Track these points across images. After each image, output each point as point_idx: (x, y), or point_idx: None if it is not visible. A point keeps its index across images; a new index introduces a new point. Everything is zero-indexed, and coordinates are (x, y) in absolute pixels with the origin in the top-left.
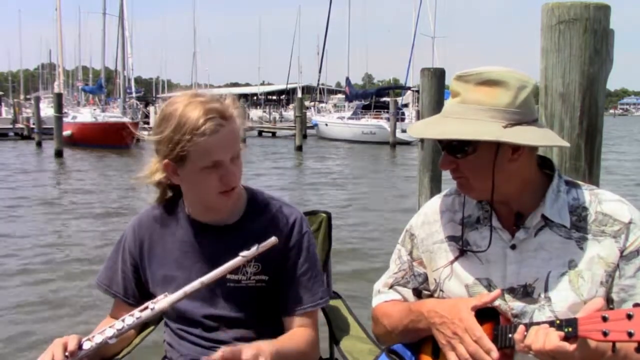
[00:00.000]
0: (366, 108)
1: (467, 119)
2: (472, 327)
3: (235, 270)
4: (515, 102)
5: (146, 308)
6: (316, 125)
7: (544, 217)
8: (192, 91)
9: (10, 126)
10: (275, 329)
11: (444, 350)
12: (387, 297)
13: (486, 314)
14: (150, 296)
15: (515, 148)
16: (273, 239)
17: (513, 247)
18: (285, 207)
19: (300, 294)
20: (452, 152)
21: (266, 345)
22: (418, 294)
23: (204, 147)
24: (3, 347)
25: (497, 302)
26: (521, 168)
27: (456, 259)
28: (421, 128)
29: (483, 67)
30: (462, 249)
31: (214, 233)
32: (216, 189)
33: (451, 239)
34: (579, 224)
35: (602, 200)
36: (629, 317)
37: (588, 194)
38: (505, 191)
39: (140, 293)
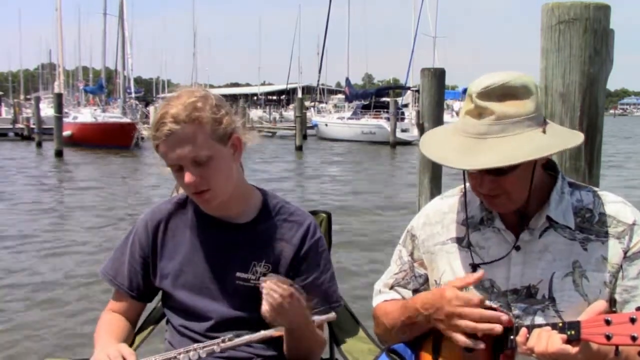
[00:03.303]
0: (366, 108)
1: (511, 135)
2: (466, 297)
3: (245, 269)
4: (539, 105)
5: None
6: (316, 125)
7: (548, 218)
8: (187, 89)
9: (10, 126)
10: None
11: (449, 336)
12: (387, 297)
13: None
14: (155, 291)
15: None
16: (332, 315)
17: (517, 248)
18: (299, 211)
19: (312, 298)
20: (494, 172)
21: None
22: None
23: (160, 150)
24: None
25: (499, 304)
26: (537, 170)
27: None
28: (466, 157)
29: (492, 76)
30: (469, 248)
31: (225, 229)
32: (185, 189)
33: (454, 240)
34: (583, 225)
35: (605, 202)
36: (632, 320)
37: (591, 195)
38: (525, 196)
39: (145, 287)
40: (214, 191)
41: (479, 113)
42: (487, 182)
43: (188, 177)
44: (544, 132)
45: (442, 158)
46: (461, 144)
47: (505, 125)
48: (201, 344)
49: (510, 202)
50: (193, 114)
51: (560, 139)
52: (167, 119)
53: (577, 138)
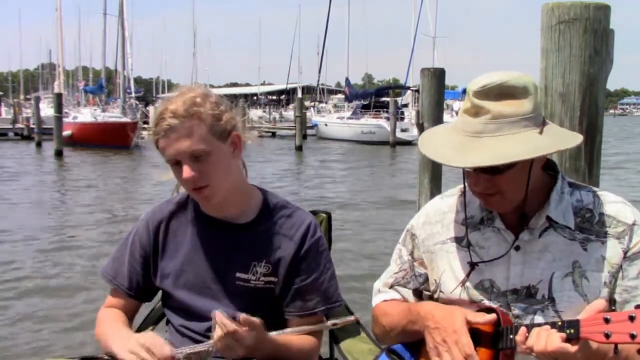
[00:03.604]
0: (366, 108)
1: (506, 135)
2: (464, 342)
3: (245, 269)
4: (537, 106)
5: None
6: (316, 125)
7: (548, 218)
8: (187, 87)
9: (10, 126)
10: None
11: (430, 354)
12: (386, 296)
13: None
14: (154, 290)
15: None
16: (352, 318)
17: (517, 248)
18: (299, 211)
19: (313, 297)
20: (489, 171)
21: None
22: (419, 294)
23: (160, 146)
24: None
25: (499, 304)
26: (536, 170)
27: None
28: (460, 155)
29: (492, 75)
30: (468, 248)
31: (226, 230)
32: (184, 185)
33: (453, 239)
34: (582, 225)
35: (605, 202)
36: (631, 319)
37: (591, 195)
38: (519, 195)
39: (145, 286)
40: (212, 187)
41: (475, 112)
42: (483, 180)
43: (186, 171)
44: (541, 132)
45: (438, 155)
46: (457, 142)
47: (501, 125)
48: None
49: (505, 201)
50: (192, 109)
51: (556, 140)
52: (167, 114)
53: (574, 139)
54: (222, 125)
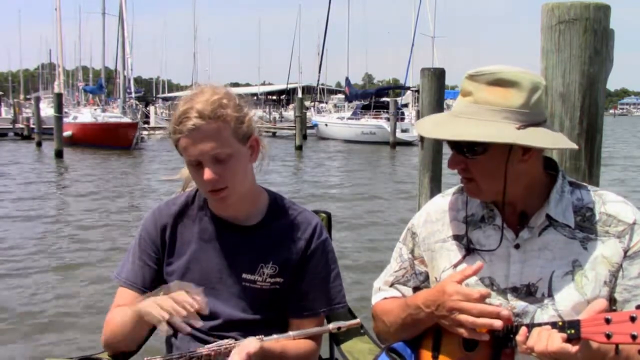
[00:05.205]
0: (366, 108)
1: (480, 120)
2: (466, 292)
3: (251, 270)
4: (528, 104)
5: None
6: (316, 125)
7: (548, 217)
8: (210, 86)
9: (10, 126)
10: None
11: (453, 331)
12: (386, 294)
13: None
14: (161, 283)
15: (526, 149)
16: (356, 321)
17: (517, 246)
18: (306, 213)
19: (316, 298)
20: (462, 152)
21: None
22: None
23: (181, 145)
24: None
25: (498, 302)
26: (529, 169)
27: (464, 258)
28: (432, 128)
29: (495, 65)
30: (468, 246)
31: (233, 230)
32: (202, 186)
33: (454, 237)
34: (583, 224)
35: (606, 201)
36: (632, 319)
37: (592, 194)
38: (512, 191)
39: (156, 281)
40: (230, 190)
41: (464, 94)
42: (455, 160)
43: (208, 173)
44: (520, 129)
45: (420, 128)
46: (439, 119)
47: (480, 110)
48: (233, 342)
49: (479, 190)
50: (219, 111)
51: (521, 135)
52: (192, 113)
53: (552, 141)
54: (244, 129)
